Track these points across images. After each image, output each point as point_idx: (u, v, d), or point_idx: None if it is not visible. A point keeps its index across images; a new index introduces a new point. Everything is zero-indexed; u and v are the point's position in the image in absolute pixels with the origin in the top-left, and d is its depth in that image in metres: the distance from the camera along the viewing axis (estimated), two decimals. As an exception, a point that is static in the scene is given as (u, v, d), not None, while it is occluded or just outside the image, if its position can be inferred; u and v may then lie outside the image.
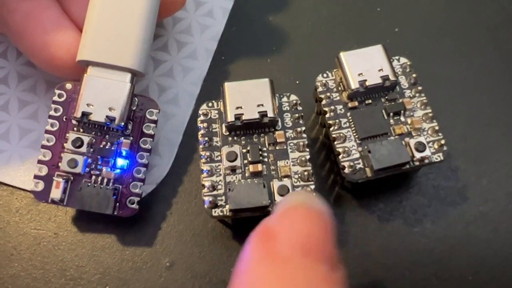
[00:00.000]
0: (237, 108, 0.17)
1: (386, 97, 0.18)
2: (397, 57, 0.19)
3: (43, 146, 0.18)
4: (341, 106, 0.18)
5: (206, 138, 0.18)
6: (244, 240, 0.18)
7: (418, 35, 0.23)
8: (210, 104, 0.18)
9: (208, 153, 0.17)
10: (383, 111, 0.18)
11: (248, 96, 0.18)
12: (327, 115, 0.18)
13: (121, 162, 0.18)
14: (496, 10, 0.23)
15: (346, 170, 0.17)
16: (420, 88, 0.19)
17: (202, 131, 0.18)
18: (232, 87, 0.18)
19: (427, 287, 0.18)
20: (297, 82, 0.22)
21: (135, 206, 0.18)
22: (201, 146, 0.18)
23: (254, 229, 0.13)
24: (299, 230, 0.12)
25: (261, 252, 0.12)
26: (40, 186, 0.18)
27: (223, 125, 0.18)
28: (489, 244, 0.19)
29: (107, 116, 0.17)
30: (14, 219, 0.19)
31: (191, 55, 0.22)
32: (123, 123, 0.17)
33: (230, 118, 0.17)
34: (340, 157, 0.18)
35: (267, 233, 0.13)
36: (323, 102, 0.18)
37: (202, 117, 0.18)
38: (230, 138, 0.18)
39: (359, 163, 0.18)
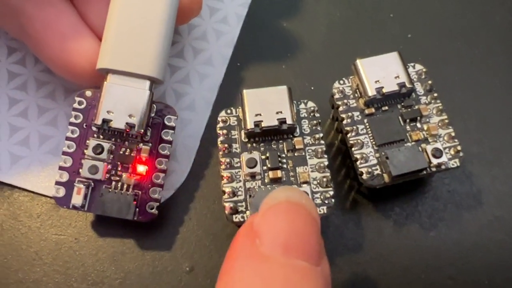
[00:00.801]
0: (256, 115, 0.18)
1: (402, 104, 0.19)
2: (412, 64, 0.19)
3: (64, 153, 0.18)
4: (358, 113, 0.19)
5: (226, 145, 0.18)
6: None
7: (430, 40, 0.23)
8: (228, 111, 0.19)
9: (228, 160, 0.18)
10: (400, 117, 0.19)
11: (266, 103, 0.18)
12: (344, 122, 0.19)
13: (140, 168, 0.18)
14: (507, 13, 0.24)
15: (364, 176, 0.18)
16: (435, 94, 0.19)
17: (221, 138, 0.18)
18: (251, 94, 0.18)
19: (443, 291, 0.18)
20: (312, 88, 0.22)
21: (154, 211, 0.18)
22: (220, 153, 0.18)
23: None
24: (280, 228, 0.13)
25: (245, 251, 0.13)
26: (62, 192, 0.18)
27: (242, 132, 0.18)
28: (504, 247, 0.19)
29: (127, 123, 0.17)
30: (36, 225, 0.19)
31: (207, 61, 0.22)
32: (142, 130, 0.18)
33: (250, 125, 0.18)
34: (358, 163, 0.18)
35: (251, 231, 0.13)
36: (340, 108, 0.19)
37: (221, 124, 0.18)
38: (249, 145, 0.18)
39: (376, 169, 0.18)
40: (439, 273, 0.19)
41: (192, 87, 0.22)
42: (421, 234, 0.19)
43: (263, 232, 0.13)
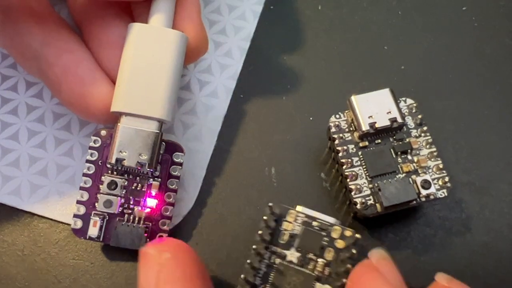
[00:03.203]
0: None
1: (394, 137, 0.20)
2: (404, 99, 0.21)
3: (81, 188, 0.20)
4: (352, 146, 0.20)
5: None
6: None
7: (422, 72, 0.24)
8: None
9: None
10: (392, 150, 0.20)
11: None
12: (340, 154, 0.20)
13: (151, 202, 0.20)
14: (498, 45, 0.25)
15: (358, 206, 0.19)
16: (425, 128, 0.20)
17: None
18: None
19: (434, 313, 0.20)
20: (311, 118, 0.23)
21: None
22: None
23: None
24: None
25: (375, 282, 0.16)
26: (79, 224, 0.19)
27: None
28: (493, 272, 0.20)
29: (138, 162, 0.19)
30: (54, 250, 0.21)
31: (212, 93, 0.24)
32: (152, 168, 0.19)
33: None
34: (352, 193, 0.19)
35: (374, 268, 0.16)
36: (336, 142, 0.20)
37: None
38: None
39: (370, 199, 0.19)
40: (431, 295, 0.20)
41: (198, 118, 0.23)
42: (413, 258, 0.20)
43: (385, 271, 0.16)
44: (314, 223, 0.19)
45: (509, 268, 0.20)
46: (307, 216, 0.19)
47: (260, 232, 0.18)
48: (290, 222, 0.19)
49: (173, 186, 0.20)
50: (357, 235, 0.18)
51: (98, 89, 0.19)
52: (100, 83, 0.19)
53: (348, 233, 0.18)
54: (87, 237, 0.19)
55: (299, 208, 0.19)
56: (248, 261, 0.18)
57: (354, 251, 0.18)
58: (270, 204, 0.18)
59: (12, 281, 0.20)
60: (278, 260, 0.18)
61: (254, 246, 0.18)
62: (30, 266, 0.21)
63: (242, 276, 0.18)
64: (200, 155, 0.23)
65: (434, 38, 0.25)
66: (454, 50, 0.25)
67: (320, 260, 0.18)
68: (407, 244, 0.21)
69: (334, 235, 0.18)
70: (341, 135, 0.20)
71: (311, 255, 0.18)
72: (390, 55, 0.25)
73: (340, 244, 0.18)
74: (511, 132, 0.23)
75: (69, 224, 0.21)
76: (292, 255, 0.18)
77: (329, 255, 0.18)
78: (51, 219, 0.21)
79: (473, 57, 0.25)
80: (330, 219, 0.19)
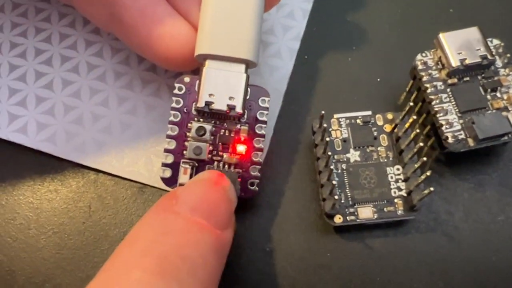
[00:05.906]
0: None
1: (483, 75, 0.20)
2: (490, 39, 0.20)
3: (168, 136, 0.19)
4: (440, 83, 0.20)
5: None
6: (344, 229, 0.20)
7: (493, 35, 0.24)
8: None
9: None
10: (481, 87, 0.20)
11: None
12: (428, 91, 0.20)
13: (240, 147, 0.19)
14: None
15: (450, 140, 0.19)
16: None
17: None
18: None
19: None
20: (378, 79, 0.23)
21: (255, 188, 0.19)
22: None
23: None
24: (194, 194, 0.16)
25: (161, 206, 0.16)
26: (168, 173, 0.19)
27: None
28: None
29: (228, 105, 0.18)
30: (122, 208, 0.21)
31: (275, 54, 0.23)
32: (241, 111, 0.18)
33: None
34: (443, 128, 0.19)
35: (173, 194, 0.16)
36: (424, 79, 0.20)
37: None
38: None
39: (461, 134, 0.19)
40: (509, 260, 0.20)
41: (263, 78, 0.23)
42: (489, 218, 0.20)
43: (180, 195, 0.16)
44: (358, 121, 0.20)
45: None
46: (348, 118, 0.20)
47: (316, 141, 0.19)
48: (336, 130, 0.20)
49: (261, 131, 0.19)
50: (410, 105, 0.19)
51: (178, 29, 0.19)
52: (179, 24, 0.19)
53: (389, 115, 0.20)
54: (178, 185, 0.18)
55: (336, 115, 0.20)
56: (319, 170, 0.19)
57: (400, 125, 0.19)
58: (323, 112, 0.19)
59: (80, 236, 0.20)
60: (344, 165, 0.20)
61: (318, 155, 0.19)
62: (98, 222, 0.20)
63: (322, 193, 0.19)
64: (266, 115, 0.22)
65: (503, 6, 0.25)
66: (520, 14, 0.24)
67: (379, 148, 0.20)
68: (483, 204, 0.20)
69: (379, 122, 0.20)
70: (429, 71, 0.20)
71: (370, 148, 0.20)
72: (456, 18, 0.24)
73: (388, 127, 0.20)
74: None
75: (134, 181, 0.21)
76: (353, 155, 0.20)
77: (384, 141, 0.20)
78: (117, 176, 0.21)
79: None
80: (368, 112, 0.20)
